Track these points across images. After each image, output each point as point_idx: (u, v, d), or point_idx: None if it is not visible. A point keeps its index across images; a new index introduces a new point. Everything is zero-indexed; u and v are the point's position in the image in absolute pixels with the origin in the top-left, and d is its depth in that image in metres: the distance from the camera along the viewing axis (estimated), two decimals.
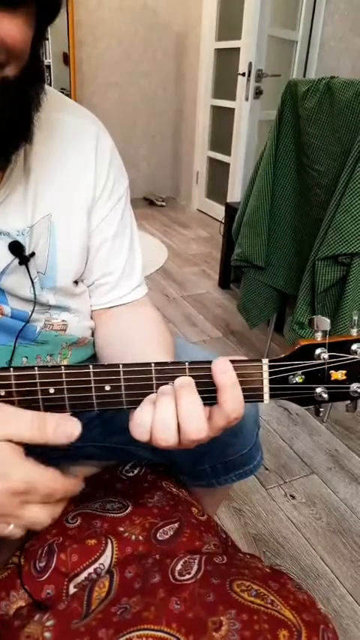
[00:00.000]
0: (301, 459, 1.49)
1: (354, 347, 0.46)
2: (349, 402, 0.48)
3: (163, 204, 4.26)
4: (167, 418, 0.42)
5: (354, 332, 0.46)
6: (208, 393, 0.45)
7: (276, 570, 0.56)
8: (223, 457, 0.74)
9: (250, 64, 3.03)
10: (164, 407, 0.43)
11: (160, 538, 0.60)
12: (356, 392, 0.47)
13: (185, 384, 0.44)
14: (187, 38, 3.89)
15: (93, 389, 0.44)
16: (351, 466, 1.47)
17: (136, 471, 0.75)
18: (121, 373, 0.44)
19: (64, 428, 0.42)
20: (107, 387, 0.44)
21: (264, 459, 0.83)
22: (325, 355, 0.46)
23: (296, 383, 0.46)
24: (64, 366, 0.44)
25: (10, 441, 0.41)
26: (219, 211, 3.50)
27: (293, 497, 1.36)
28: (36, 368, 0.44)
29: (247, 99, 3.16)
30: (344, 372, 0.46)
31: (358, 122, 1.28)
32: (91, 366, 0.44)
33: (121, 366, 0.44)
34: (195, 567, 0.53)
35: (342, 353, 0.46)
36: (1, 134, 0.47)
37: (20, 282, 0.59)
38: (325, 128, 1.38)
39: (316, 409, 0.49)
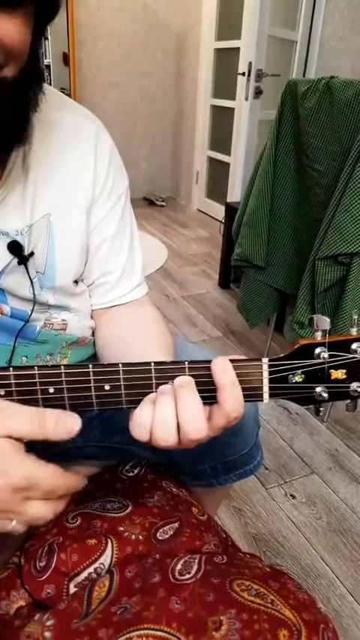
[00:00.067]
0: (302, 459, 1.49)
1: (354, 346, 0.46)
2: (349, 401, 0.48)
3: (163, 204, 4.26)
4: (167, 418, 0.42)
5: (354, 331, 0.46)
6: (208, 393, 0.44)
7: (276, 570, 0.56)
8: (223, 457, 0.74)
9: (250, 63, 3.03)
10: (164, 406, 0.43)
11: (160, 538, 0.60)
12: (356, 391, 0.47)
13: (185, 383, 0.44)
14: (186, 38, 3.89)
15: (92, 388, 0.44)
16: (351, 466, 1.47)
17: (136, 471, 0.75)
18: (121, 372, 0.44)
19: (65, 423, 0.42)
20: (107, 387, 0.44)
21: (264, 459, 0.83)
22: (325, 354, 0.46)
23: (296, 382, 0.46)
24: (64, 365, 0.44)
25: (10, 437, 0.40)
26: (219, 211, 3.50)
27: (293, 496, 1.36)
28: (36, 367, 0.43)
29: (246, 99, 3.16)
30: (344, 371, 0.46)
31: (357, 122, 1.27)
32: (90, 366, 0.44)
33: (120, 365, 0.44)
34: (195, 567, 0.53)
35: (342, 352, 0.46)
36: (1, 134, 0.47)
37: (19, 281, 0.59)
38: (324, 128, 1.38)
39: (316, 409, 0.49)
